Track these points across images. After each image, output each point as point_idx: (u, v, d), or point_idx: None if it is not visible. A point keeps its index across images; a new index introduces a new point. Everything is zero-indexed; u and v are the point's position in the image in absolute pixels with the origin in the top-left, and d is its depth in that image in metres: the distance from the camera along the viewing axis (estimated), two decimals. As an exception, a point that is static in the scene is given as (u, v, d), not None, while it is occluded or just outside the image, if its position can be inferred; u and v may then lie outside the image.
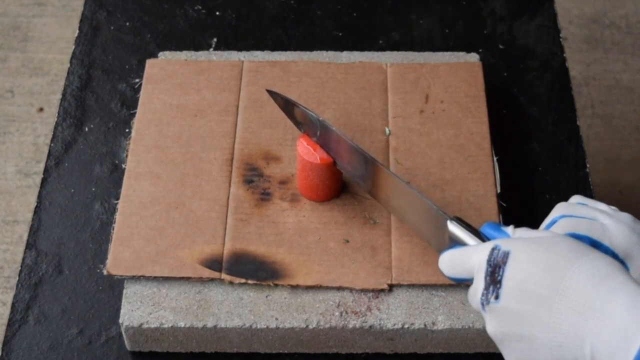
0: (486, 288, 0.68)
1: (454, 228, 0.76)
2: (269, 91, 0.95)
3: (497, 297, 0.68)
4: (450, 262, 0.74)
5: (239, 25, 1.17)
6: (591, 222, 0.73)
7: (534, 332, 0.66)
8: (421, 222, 0.82)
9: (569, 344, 0.64)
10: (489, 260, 0.69)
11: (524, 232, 0.72)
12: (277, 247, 0.90)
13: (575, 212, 0.75)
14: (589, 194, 1.00)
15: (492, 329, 0.69)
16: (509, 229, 0.74)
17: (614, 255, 0.72)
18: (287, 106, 0.93)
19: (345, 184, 0.94)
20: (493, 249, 0.69)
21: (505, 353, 0.70)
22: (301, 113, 0.91)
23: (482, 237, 0.75)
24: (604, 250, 0.72)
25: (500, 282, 0.67)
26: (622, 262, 0.72)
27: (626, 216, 0.74)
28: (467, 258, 0.72)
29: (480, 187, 0.94)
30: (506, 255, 0.68)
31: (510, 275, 0.67)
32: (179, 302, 0.88)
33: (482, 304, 0.69)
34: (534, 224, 0.98)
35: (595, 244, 0.72)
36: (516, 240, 0.69)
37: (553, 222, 0.75)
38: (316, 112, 0.91)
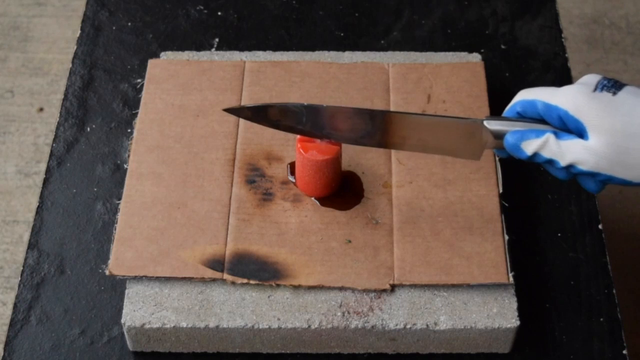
0: (607, 81, 0.77)
1: (495, 124, 0.82)
2: (228, 110, 0.90)
3: (614, 94, 0.76)
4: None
5: (241, 25, 1.17)
6: (542, 88, 0.80)
7: None
8: (449, 140, 0.85)
9: None
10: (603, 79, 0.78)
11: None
12: (279, 247, 0.90)
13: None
14: (590, 194, 1.00)
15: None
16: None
17: (566, 114, 0.77)
18: (259, 112, 0.89)
19: (347, 182, 0.94)
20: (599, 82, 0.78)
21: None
22: (279, 110, 0.88)
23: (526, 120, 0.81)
24: (554, 111, 0.78)
25: (620, 87, 0.77)
26: (575, 119, 0.77)
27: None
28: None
29: (483, 187, 0.94)
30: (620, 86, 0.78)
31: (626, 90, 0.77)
32: (181, 302, 0.88)
33: (599, 88, 0.77)
34: (536, 224, 0.98)
35: (546, 106, 0.78)
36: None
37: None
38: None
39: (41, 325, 0.91)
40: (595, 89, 0.77)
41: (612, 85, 0.77)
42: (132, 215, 0.92)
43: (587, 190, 0.81)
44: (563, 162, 0.78)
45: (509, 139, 0.81)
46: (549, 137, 0.78)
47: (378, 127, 0.87)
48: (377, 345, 0.89)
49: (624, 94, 0.76)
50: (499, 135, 0.82)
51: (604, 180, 0.78)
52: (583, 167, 0.77)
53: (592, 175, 0.78)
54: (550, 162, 0.79)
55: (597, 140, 0.76)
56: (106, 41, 1.15)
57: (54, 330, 0.91)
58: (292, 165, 0.95)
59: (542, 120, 0.80)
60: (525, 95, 0.81)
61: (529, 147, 0.79)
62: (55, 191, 1.00)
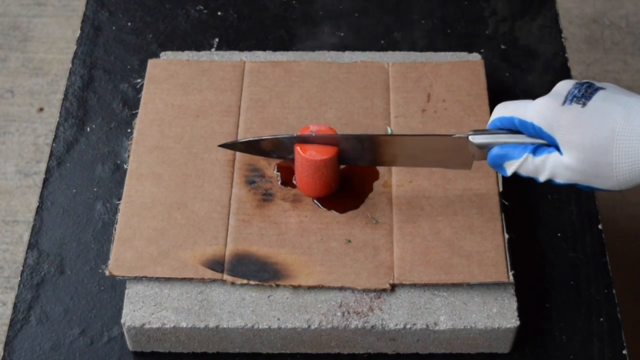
0: (578, 89, 0.76)
1: (479, 138, 0.83)
2: (222, 145, 0.95)
3: (583, 105, 0.75)
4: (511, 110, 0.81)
5: (241, 25, 1.17)
6: (517, 103, 0.81)
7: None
8: (439, 155, 0.88)
9: None
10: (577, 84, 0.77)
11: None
12: (279, 247, 0.90)
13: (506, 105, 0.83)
14: (590, 194, 1.00)
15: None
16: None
17: (540, 130, 0.78)
18: (252, 145, 0.93)
19: (346, 181, 0.95)
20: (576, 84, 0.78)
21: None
22: (271, 142, 0.92)
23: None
24: (530, 127, 0.79)
25: (591, 95, 0.76)
26: (549, 135, 0.78)
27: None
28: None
29: (483, 185, 0.94)
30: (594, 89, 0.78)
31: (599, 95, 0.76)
32: (181, 303, 0.88)
33: (569, 100, 0.77)
34: (536, 223, 0.98)
35: (522, 123, 0.80)
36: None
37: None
38: (287, 132, 0.96)
39: (41, 325, 0.91)
40: (564, 102, 0.77)
41: (583, 94, 0.77)
42: (132, 216, 0.92)
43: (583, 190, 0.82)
44: (542, 178, 0.80)
45: (491, 158, 0.83)
46: (527, 157, 0.80)
47: (368, 150, 0.90)
48: (377, 345, 0.89)
49: (593, 103, 0.76)
50: (484, 148, 0.84)
51: (587, 188, 0.79)
52: (560, 180, 0.79)
53: (573, 184, 0.79)
54: (531, 177, 0.81)
55: (569, 156, 0.77)
56: (106, 41, 1.15)
57: (53, 330, 0.91)
58: (281, 169, 0.95)
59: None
60: (502, 112, 0.82)
61: (510, 167, 0.82)
62: (55, 191, 1.00)
